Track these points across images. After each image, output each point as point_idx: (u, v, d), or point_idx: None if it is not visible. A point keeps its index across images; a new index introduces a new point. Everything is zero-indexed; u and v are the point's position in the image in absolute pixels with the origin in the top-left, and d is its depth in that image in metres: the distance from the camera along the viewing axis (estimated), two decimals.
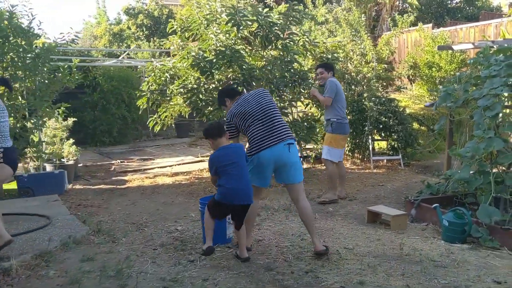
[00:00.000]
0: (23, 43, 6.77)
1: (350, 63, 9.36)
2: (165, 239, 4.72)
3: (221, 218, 4.17)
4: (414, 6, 18.14)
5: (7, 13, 6.64)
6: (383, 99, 8.54)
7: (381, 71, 10.20)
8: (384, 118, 8.29)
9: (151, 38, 26.62)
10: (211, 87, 7.49)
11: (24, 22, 7.17)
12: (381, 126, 8.38)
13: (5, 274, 3.79)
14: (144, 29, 26.67)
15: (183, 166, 9.25)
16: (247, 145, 4.27)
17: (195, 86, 7.41)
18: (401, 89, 11.22)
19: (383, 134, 8.67)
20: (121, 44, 25.77)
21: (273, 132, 4.13)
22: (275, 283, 3.57)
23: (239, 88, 6.92)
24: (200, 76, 7.33)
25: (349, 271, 3.79)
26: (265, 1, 20.07)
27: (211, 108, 7.36)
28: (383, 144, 9.11)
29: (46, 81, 7.21)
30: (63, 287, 3.58)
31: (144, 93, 7.88)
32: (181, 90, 7.57)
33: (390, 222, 4.96)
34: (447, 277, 3.63)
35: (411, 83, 12.56)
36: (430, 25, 13.31)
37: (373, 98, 8.47)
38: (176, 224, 5.27)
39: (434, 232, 4.83)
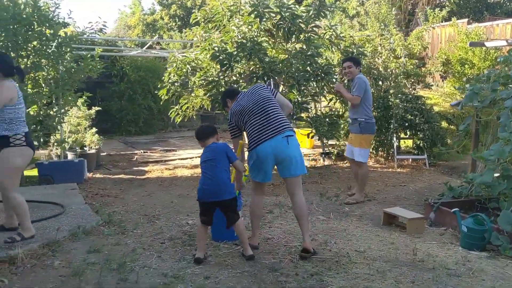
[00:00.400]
0: (48, 31, 6.82)
1: (378, 58, 9.09)
2: (174, 233, 4.67)
3: (204, 219, 3.98)
4: (452, 1, 17.53)
5: (31, 1, 6.69)
6: (410, 96, 8.26)
7: (411, 66, 9.88)
8: (410, 116, 8.02)
9: (183, 29, 26.77)
10: (231, 79, 7.39)
11: (54, 11, 7.23)
12: (406, 124, 8.11)
13: (11, 262, 3.81)
14: (177, 19, 26.84)
15: None
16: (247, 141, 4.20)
17: (215, 78, 7.33)
18: (429, 86, 10.83)
19: (408, 132, 8.40)
20: (153, 34, 25.99)
21: (270, 125, 4.02)
22: (278, 285, 3.46)
23: (259, 82, 6.81)
24: (220, 69, 7.23)
25: (357, 275, 3.64)
26: None
27: None
28: (410, 142, 8.84)
29: (71, 70, 7.27)
30: (65, 278, 3.57)
31: (165, 85, 7.86)
32: (202, 82, 7.52)
33: (406, 225, 4.76)
34: (460, 287, 3.44)
35: (442, 80, 12.14)
36: (465, 20, 12.83)
37: (399, 95, 8.20)
38: (188, 218, 5.21)
39: (452, 238, 4.61)
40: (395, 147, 8.24)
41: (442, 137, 8.24)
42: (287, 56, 7.41)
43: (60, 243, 4.25)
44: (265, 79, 7.08)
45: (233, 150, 4.22)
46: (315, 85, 7.69)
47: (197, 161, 8.96)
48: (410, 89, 9.05)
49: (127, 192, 6.58)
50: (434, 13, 10.84)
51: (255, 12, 6.99)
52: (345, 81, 7.16)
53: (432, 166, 8.12)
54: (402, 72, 8.92)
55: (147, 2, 55.65)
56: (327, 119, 7.68)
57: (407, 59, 10.04)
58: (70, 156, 7.76)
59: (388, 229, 4.84)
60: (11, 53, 6.56)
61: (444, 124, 9.40)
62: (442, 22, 11.86)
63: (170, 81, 7.84)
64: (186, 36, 9.23)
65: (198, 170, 8.13)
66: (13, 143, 4.16)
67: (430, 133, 8.03)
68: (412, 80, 9.19)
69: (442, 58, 11.68)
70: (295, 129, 8.88)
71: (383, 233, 4.71)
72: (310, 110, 8.14)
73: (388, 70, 8.94)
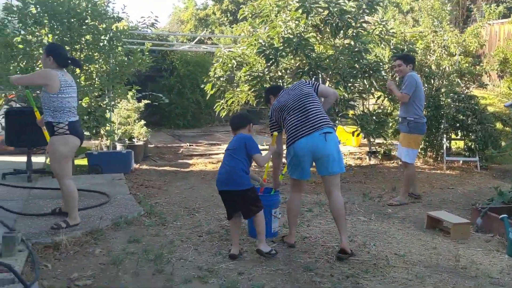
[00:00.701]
0: (101, 26, 7.03)
1: (430, 56, 8.77)
2: (213, 227, 4.71)
3: (227, 211, 4.02)
4: None
5: None
6: (462, 95, 7.92)
7: (466, 65, 9.47)
8: (462, 116, 7.69)
9: (234, 24, 26.90)
10: (276, 75, 7.36)
11: (108, 6, 7.47)
12: (458, 124, 7.79)
13: (56, 248, 3.97)
14: (228, 14, 27.02)
15: None
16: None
17: (260, 74, 7.33)
18: (484, 86, 10.34)
19: (459, 133, 8.07)
20: (205, 29, 26.28)
21: (309, 121, 3.97)
22: (312, 285, 3.42)
23: (304, 77, 6.75)
24: (265, 64, 7.22)
25: (394, 279, 3.54)
26: None
27: None
28: (461, 144, 8.50)
29: (122, 63, 7.47)
30: (104, 266, 3.68)
31: (211, 79, 7.94)
32: (248, 77, 7.53)
33: (450, 230, 4.58)
34: None
35: (500, 80, 11.58)
36: None
37: (451, 94, 7.88)
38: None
39: (499, 245, 4.39)
40: (444, 148, 7.94)
41: (496, 139, 7.85)
42: (334, 52, 7.30)
43: (102, 231, 4.39)
44: (311, 74, 7.02)
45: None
46: (363, 82, 7.52)
47: None
48: (463, 88, 8.67)
49: (171, 184, 6.71)
50: (491, 9, 10.32)
51: (302, 8, 6.92)
52: (396, 79, 6.96)
53: (483, 169, 7.76)
54: (455, 70, 8.56)
55: None
56: (374, 117, 7.52)
57: (462, 56, 9.63)
58: (118, 147, 8.00)
59: (431, 233, 4.67)
60: (66, 46, 6.83)
61: (499, 125, 8.96)
62: (499, 18, 11.28)
63: (215, 76, 7.92)
64: (233, 31, 9.28)
65: None
66: (56, 132, 4.35)
67: (483, 134, 7.67)
68: (466, 79, 8.80)
69: (500, 57, 11.12)
70: (341, 126, 8.80)
71: (425, 237, 4.55)
72: (356, 107, 7.98)
73: (441, 68, 8.61)
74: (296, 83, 4.35)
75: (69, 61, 4.63)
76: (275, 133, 4.22)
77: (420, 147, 8.14)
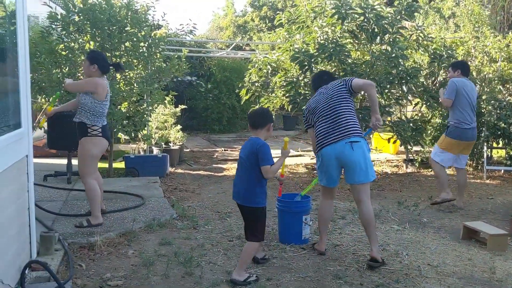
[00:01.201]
0: (141, 33, 7.20)
1: (471, 62, 8.53)
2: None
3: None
4: None
5: (126, 4, 7.10)
6: (504, 102, 7.65)
7: (510, 71, 9.15)
8: (503, 124, 7.43)
9: (272, 30, 27.00)
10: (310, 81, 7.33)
11: (148, 14, 7.64)
12: (499, 132, 7.53)
13: (90, 249, 4.09)
14: (267, 21, 27.16)
15: None
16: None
17: (294, 79, 7.32)
18: None
19: (501, 142, 7.80)
20: (244, 35, 26.50)
21: (337, 128, 3.95)
22: None
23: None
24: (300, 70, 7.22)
25: None
26: None
27: None
28: (503, 152, 8.21)
29: (160, 69, 7.63)
30: (136, 267, 3.77)
31: (246, 85, 8.01)
32: (283, 83, 7.55)
33: (487, 241, 4.43)
34: None
35: None
36: None
37: (492, 101, 7.63)
38: None
39: None
40: (485, 156, 7.69)
41: None
42: (370, 57, 7.21)
43: (135, 233, 4.50)
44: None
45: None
46: (400, 88, 7.40)
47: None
48: (506, 95, 8.38)
49: (204, 188, 6.78)
50: None
51: (338, 14, 6.88)
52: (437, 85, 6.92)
53: None
54: (497, 77, 8.29)
55: (239, 4, 56.86)
56: (411, 124, 7.36)
57: (505, 63, 9.32)
58: (155, 151, 8.16)
59: (467, 244, 4.53)
60: (106, 53, 7.05)
61: None
62: None
63: (250, 81, 7.98)
64: (269, 37, 9.33)
65: None
66: (90, 133, 4.59)
67: None
68: (508, 86, 8.50)
69: None
70: (377, 133, 8.68)
71: (460, 248, 4.42)
72: (393, 113, 7.86)
73: (481, 74, 8.37)
74: (331, 83, 4.22)
75: (111, 67, 4.85)
76: (286, 138, 3.95)
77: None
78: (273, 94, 7.98)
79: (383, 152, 9.81)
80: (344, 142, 3.89)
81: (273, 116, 8.57)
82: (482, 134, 7.65)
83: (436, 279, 3.68)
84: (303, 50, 7.05)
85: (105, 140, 4.71)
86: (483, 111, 7.70)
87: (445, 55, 7.47)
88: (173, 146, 8.63)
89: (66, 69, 6.98)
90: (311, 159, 8.47)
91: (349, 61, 7.01)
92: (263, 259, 3.94)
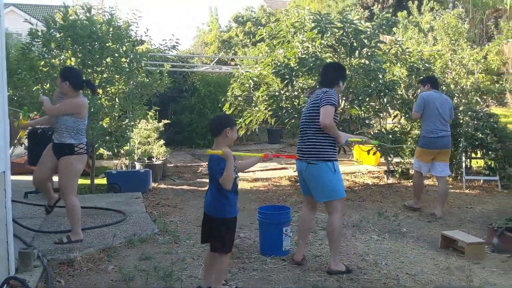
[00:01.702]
0: (123, 49, 7.24)
1: (448, 74, 8.73)
2: None
3: (201, 234, 3.61)
4: None
5: (107, 20, 7.14)
6: (481, 113, 7.81)
7: (487, 83, 9.37)
8: (480, 135, 7.58)
9: (256, 45, 27.16)
10: (292, 94, 7.43)
11: (131, 30, 7.68)
12: (477, 143, 7.68)
13: (70, 265, 4.07)
14: (251, 36, 27.39)
15: (265, 172, 9.28)
16: None
17: (276, 93, 7.41)
18: (504, 104, 10.18)
19: (479, 152, 7.94)
20: (228, 51, 26.67)
21: (301, 146, 4.16)
22: None
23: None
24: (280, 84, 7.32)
25: None
26: (371, 8, 19.69)
27: (293, 121, 7.22)
28: (482, 162, 8.36)
29: (141, 84, 7.65)
30: (115, 283, 3.76)
31: (228, 99, 8.07)
32: (265, 97, 7.63)
33: (464, 250, 4.50)
34: None
35: None
36: None
37: (469, 112, 7.79)
38: (240, 231, 5.26)
39: None
40: (464, 167, 7.82)
41: None
42: (349, 71, 7.34)
43: (116, 249, 4.48)
44: None
45: None
46: (379, 101, 7.54)
47: (259, 174, 9.10)
48: (483, 106, 8.56)
49: (187, 203, 6.78)
50: (509, 25, 10.22)
51: (318, 28, 7.00)
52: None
53: (505, 188, 7.59)
54: (473, 89, 8.48)
55: (224, 19, 57.32)
56: (390, 136, 7.48)
57: (483, 75, 9.54)
58: (138, 166, 8.14)
59: (445, 253, 4.61)
60: (88, 68, 7.07)
61: None
62: None
63: (233, 95, 8.05)
64: (252, 52, 9.44)
65: (258, 184, 8.24)
66: (77, 152, 4.59)
67: (503, 153, 7.53)
68: (485, 97, 8.69)
69: None
70: (357, 144, 8.78)
71: (439, 257, 4.49)
72: (373, 126, 7.98)
73: (459, 86, 8.55)
74: (318, 91, 4.18)
75: (84, 84, 4.84)
76: (220, 151, 3.41)
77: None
78: (256, 108, 8.06)
79: (365, 164, 9.91)
80: (306, 162, 4.06)
81: (256, 130, 8.77)
82: (461, 145, 7.80)
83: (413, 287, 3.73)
84: (284, 64, 7.15)
85: (86, 156, 4.75)
86: (461, 122, 7.85)
87: (422, 68, 7.63)
88: (156, 161, 8.62)
89: (47, 86, 6.97)
90: (294, 171, 8.52)
91: None
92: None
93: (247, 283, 3.78)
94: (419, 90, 6.64)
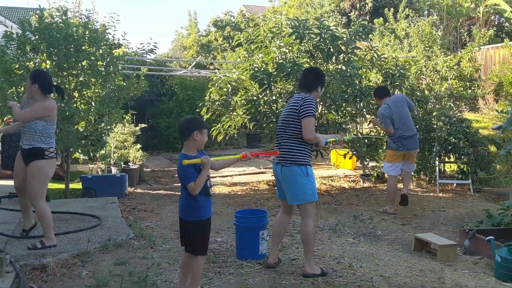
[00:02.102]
0: (100, 52, 7.17)
1: (422, 80, 8.90)
2: None
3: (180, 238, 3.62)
4: (511, 21, 16.86)
5: (83, 23, 7.08)
6: (454, 118, 7.99)
7: (460, 89, 9.59)
8: (453, 139, 7.75)
9: (233, 51, 27.18)
10: (270, 99, 7.47)
11: (108, 33, 7.63)
12: (450, 147, 7.84)
13: (43, 270, 4.01)
14: (230, 40, 27.42)
15: (243, 176, 9.30)
16: None
17: (254, 98, 7.44)
18: (476, 109, 10.43)
19: (452, 156, 8.12)
20: (207, 55, 26.63)
21: (276, 149, 4.22)
22: None
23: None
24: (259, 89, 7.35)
25: None
26: (349, 15, 19.92)
27: (271, 125, 7.25)
28: (455, 166, 8.54)
29: (117, 88, 7.58)
30: None
31: (206, 104, 8.07)
32: (243, 101, 7.66)
33: (437, 252, 4.59)
34: None
35: (495, 103, 11.67)
36: None
37: (442, 117, 7.96)
38: (217, 236, 5.28)
39: (487, 267, 4.40)
40: (437, 170, 7.98)
41: (488, 161, 7.89)
42: (327, 77, 7.42)
43: (90, 254, 4.43)
44: None
45: None
46: (355, 106, 7.64)
47: (237, 179, 9.11)
48: (456, 111, 8.76)
49: (163, 208, 6.75)
50: (481, 33, 10.48)
51: (296, 34, 7.07)
52: None
53: (477, 192, 7.78)
54: (447, 94, 8.67)
55: (203, 23, 57.28)
56: (366, 140, 7.59)
57: (457, 81, 9.76)
58: (113, 170, 8.07)
59: (418, 256, 4.69)
60: (63, 71, 6.98)
61: (492, 148, 9.00)
62: (489, 43, 11.44)
63: (211, 100, 8.04)
64: (230, 56, 9.46)
65: (236, 188, 8.24)
66: (47, 156, 4.51)
67: (475, 157, 7.72)
68: (458, 103, 8.90)
69: (494, 81, 11.24)
70: (334, 149, 8.88)
71: (412, 259, 4.56)
72: (349, 130, 8.07)
73: (433, 92, 8.73)
74: (296, 96, 4.21)
75: (54, 89, 4.76)
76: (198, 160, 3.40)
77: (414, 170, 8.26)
78: (234, 113, 8.08)
79: (342, 168, 10.02)
80: (280, 165, 4.11)
81: (235, 135, 8.76)
82: (434, 149, 7.95)
83: None
84: (262, 69, 7.19)
85: (56, 161, 4.69)
86: (434, 127, 8.01)
87: (397, 74, 7.76)
88: (132, 165, 8.56)
89: (22, 89, 6.86)
90: (272, 175, 8.56)
91: None
92: None
93: (223, 287, 3.78)
94: (398, 92, 6.99)
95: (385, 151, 6.74)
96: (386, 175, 6.95)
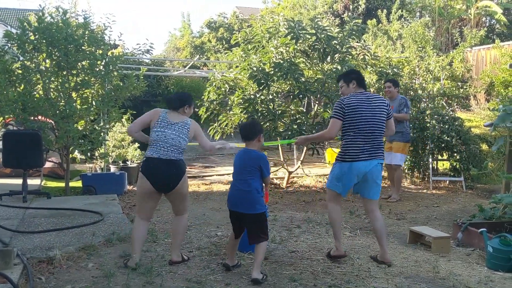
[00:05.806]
0: (99, 52, 7.26)
1: (415, 79, 9.09)
2: (203, 243, 4.87)
3: (234, 229, 4.06)
4: (502, 23, 17.12)
5: (83, 24, 7.17)
6: (446, 117, 8.17)
7: (453, 88, 9.78)
8: (446, 137, 7.93)
9: (229, 50, 27.25)
10: (267, 98, 7.61)
11: (105, 34, 7.72)
12: (443, 145, 8.03)
13: (49, 263, 4.11)
14: (224, 42, 27.53)
15: None
16: None
17: (252, 96, 7.58)
18: (468, 108, 10.64)
19: (445, 154, 8.30)
20: (201, 56, 26.73)
21: (370, 147, 4.32)
22: None
23: (295, 100, 6.98)
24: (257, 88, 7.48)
25: None
26: (342, 16, 20.12)
27: (268, 124, 7.39)
28: (447, 164, 8.72)
29: (117, 87, 7.68)
30: (96, 279, 3.82)
31: (204, 103, 8.19)
32: (240, 100, 7.78)
33: (431, 244, 4.75)
34: None
35: (486, 102, 11.89)
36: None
37: (435, 116, 8.14)
38: (217, 230, 5.41)
39: (479, 258, 4.56)
40: (430, 168, 8.16)
41: (480, 159, 8.08)
42: (322, 76, 7.57)
43: (95, 247, 4.54)
44: (301, 97, 7.30)
45: None
46: None
47: None
48: (449, 110, 8.95)
49: (163, 205, 6.80)
50: (472, 34, 10.69)
51: (291, 34, 7.22)
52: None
53: (469, 188, 7.97)
54: (439, 94, 8.85)
55: (196, 25, 57.37)
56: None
57: (449, 81, 9.95)
58: (112, 169, 8.17)
59: (413, 248, 4.84)
60: (63, 71, 7.07)
61: (484, 146, 9.21)
62: (481, 43, 11.67)
63: (209, 100, 8.17)
64: (227, 56, 9.57)
65: None
66: None
67: (467, 155, 7.90)
68: (451, 102, 9.09)
69: (485, 80, 11.47)
70: (330, 147, 9.03)
71: (407, 251, 4.72)
72: None
73: (426, 91, 8.91)
74: (378, 97, 4.41)
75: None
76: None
77: (407, 167, 8.48)
78: (232, 112, 8.20)
79: None
80: (377, 161, 4.26)
81: (232, 134, 8.89)
82: (427, 147, 8.13)
83: (384, 279, 3.93)
84: (260, 68, 7.33)
85: None
86: (428, 125, 8.19)
87: (391, 73, 7.93)
88: (130, 164, 8.66)
89: (21, 88, 6.95)
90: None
91: (303, 79, 7.34)
92: (236, 266, 4.09)
93: (226, 276, 3.90)
94: (386, 88, 7.08)
95: (399, 145, 7.04)
96: (392, 166, 7.17)
